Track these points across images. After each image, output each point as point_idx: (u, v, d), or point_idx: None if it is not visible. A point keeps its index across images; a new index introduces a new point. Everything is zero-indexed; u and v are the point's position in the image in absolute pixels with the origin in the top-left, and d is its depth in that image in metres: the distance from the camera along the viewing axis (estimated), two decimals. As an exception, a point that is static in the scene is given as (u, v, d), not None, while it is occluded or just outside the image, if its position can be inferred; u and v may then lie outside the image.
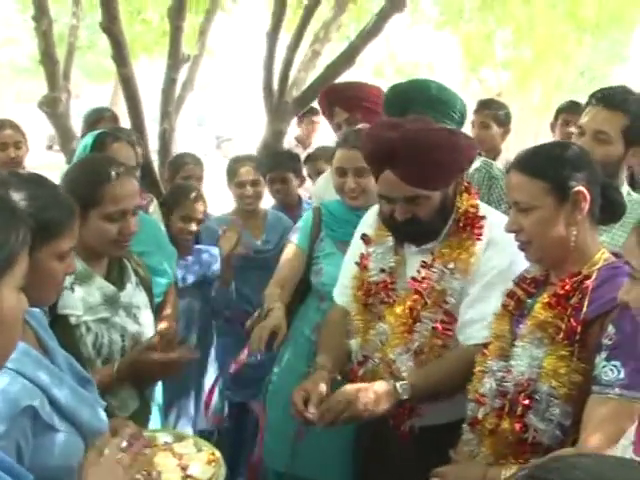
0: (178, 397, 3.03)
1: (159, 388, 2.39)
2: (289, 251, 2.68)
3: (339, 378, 2.13)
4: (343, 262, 2.37)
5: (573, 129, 2.98)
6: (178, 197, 3.20)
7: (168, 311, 2.64)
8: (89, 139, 2.67)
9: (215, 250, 3.13)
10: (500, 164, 3.56)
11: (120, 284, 2.09)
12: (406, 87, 2.75)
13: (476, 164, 3.19)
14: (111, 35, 4.19)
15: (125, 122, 4.47)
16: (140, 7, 7.07)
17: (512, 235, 1.77)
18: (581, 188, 1.67)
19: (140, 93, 4.38)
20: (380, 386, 1.96)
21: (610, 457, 0.99)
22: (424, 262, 2.07)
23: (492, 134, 4.04)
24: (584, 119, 2.28)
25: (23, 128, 3.84)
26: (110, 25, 4.15)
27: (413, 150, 1.94)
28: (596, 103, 2.25)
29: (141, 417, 2.05)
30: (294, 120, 5.24)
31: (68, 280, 1.85)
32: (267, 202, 3.67)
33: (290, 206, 3.73)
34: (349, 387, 1.98)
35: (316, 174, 3.79)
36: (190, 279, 3.11)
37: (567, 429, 1.63)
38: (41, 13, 5.02)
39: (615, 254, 1.72)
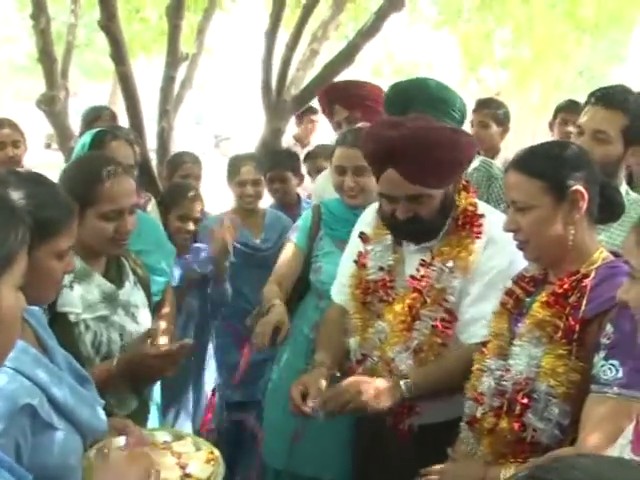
0: (177, 396, 3.02)
1: (157, 387, 2.39)
2: (288, 250, 2.68)
3: (338, 374, 2.14)
4: (341, 260, 2.37)
5: (572, 128, 2.99)
6: (176, 196, 3.19)
7: (166, 310, 2.64)
8: (87, 137, 2.67)
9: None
10: (499, 163, 3.56)
11: (118, 282, 2.09)
12: (406, 86, 2.75)
13: (475, 163, 3.19)
14: (109, 33, 4.18)
15: (123, 120, 4.46)
16: (138, 5, 7.08)
17: (511, 234, 1.77)
18: (579, 187, 1.67)
19: (138, 91, 4.36)
20: (381, 383, 1.96)
21: (609, 457, 0.99)
22: (423, 260, 2.08)
23: (491, 133, 4.04)
24: (583, 118, 2.27)
25: (21, 127, 3.83)
26: (108, 23, 4.13)
27: (415, 149, 1.94)
28: (595, 102, 2.25)
29: (140, 416, 2.05)
30: (292, 119, 5.24)
31: (67, 278, 1.86)
32: (266, 201, 3.67)
33: (289, 205, 3.73)
34: (353, 379, 1.99)
35: (316, 172, 3.79)
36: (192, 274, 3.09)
37: (566, 428, 1.63)
38: (39, 11, 5.01)
39: (614, 253, 1.72)
